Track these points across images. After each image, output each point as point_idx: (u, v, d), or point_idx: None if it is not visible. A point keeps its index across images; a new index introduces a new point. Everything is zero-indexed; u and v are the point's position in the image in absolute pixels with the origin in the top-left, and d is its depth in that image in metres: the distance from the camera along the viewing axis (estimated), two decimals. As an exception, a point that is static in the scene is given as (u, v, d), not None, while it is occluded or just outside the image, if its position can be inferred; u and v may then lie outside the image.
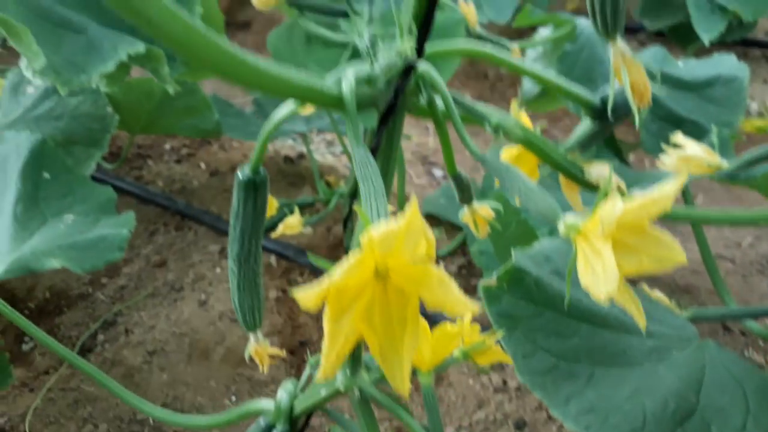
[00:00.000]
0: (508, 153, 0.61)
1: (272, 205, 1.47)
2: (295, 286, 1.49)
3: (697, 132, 1.46)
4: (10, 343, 1.38)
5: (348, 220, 1.68)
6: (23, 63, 1.09)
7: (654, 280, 1.58)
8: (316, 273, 1.50)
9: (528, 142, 0.53)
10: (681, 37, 2.50)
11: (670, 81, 1.60)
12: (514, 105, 0.54)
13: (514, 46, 1.33)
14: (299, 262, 1.52)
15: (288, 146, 2.04)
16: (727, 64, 1.65)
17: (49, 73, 0.90)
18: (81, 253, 0.83)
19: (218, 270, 1.51)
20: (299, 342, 1.34)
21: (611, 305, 0.63)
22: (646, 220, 0.39)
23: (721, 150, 1.35)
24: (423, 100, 0.46)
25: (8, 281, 1.52)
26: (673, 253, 0.39)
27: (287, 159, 1.96)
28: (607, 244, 0.36)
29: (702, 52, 2.09)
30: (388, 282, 0.35)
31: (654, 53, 1.74)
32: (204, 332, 1.34)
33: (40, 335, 0.75)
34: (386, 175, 0.46)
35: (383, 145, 0.47)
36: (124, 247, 0.85)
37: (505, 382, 1.27)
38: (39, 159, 0.96)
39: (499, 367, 1.29)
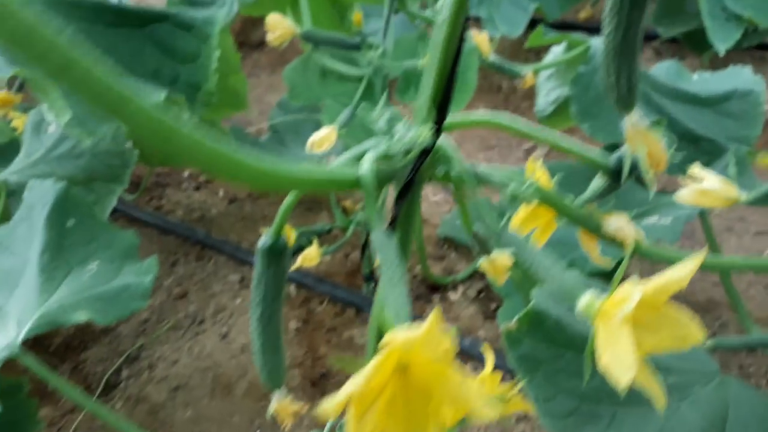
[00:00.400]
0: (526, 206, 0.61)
1: (290, 234, 1.49)
2: (314, 315, 1.50)
3: (713, 149, 1.45)
4: (37, 381, 1.41)
5: (365, 248, 1.69)
6: (45, 105, 1.12)
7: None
8: (336, 302, 1.51)
9: (545, 201, 0.54)
10: (696, 44, 2.48)
11: (685, 97, 1.59)
12: (530, 163, 0.55)
13: (528, 71, 1.34)
14: (318, 291, 1.53)
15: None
16: (742, 77, 1.63)
17: (74, 125, 0.92)
18: (106, 304, 0.84)
19: (239, 300, 1.53)
20: (320, 374, 1.35)
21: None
22: (664, 299, 0.39)
23: (739, 169, 1.34)
24: (440, 170, 0.47)
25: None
26: (691, 333, 0.39)
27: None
28: (624, 329, 0.37)
29: (718, 57, 2.07)
30: (409, 377, 0.35)
31: (668, 68, 1.74)
32: (226, 366, 1.36)
33: (60, 383, 0.76)
34: (406, 246, 0.47)
35: (402, 216, 0.48)
36: (147, 296, 0.87)
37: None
38: (63, 206, 0.98)
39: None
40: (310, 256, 1.36)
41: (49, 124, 1.49)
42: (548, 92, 1.87)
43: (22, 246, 0.97)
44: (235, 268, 1.63)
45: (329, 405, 0.30)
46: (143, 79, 1.00)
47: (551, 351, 0.78)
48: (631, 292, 0.37)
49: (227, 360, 1.36)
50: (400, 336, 0.31)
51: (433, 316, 0.30)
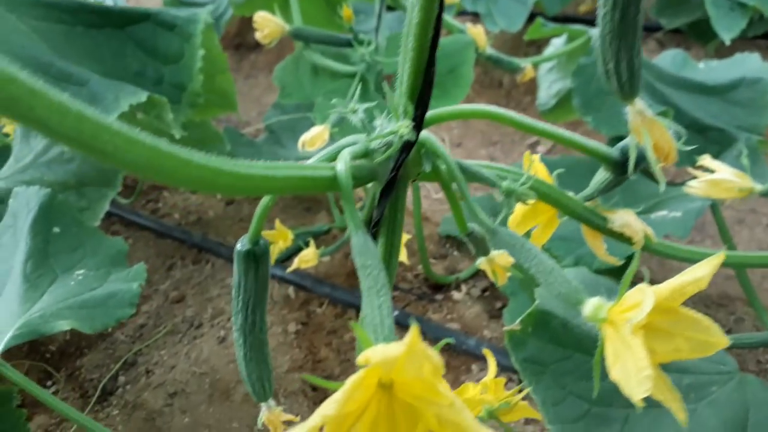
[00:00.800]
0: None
1: (287, 236, 1.45)
2: (314, 317, 1.46)
3: (722, 139, 1.40)
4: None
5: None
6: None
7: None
8: (336, 303, 1.47)
9: (544, 197, 0.50)
10: (700, 35, 2.43)
11: (692, 86, 1.54)
12: (527, 157, 0.51)
13: (527, 63, 1.29)
14: (318, 293, 1.49)
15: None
16: (750, 64, 1.58)
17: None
18: (91, 311, 0.81)
19: (237, 304, 1.49)
20: (321, 378, 1.31)
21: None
22: (680, 302, 0.35)
23: (751, 158, 1.29)
24: (427, 166, 0.43)
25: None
26: (713, 338, 0.35)
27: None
28: (637, 339, 0.33)
29: (723, 48, 2.02)
30: (394, 396, 0.31)
31: (673, 57, 1.69)
32: (224, 371, 1.32)
33: (46, 397, 0.73)
34: (392, 250, 0.43)
35: (387, 215, 0.44)
36: (135, 303, 0.83)
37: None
38: (48, 213, 0.95)
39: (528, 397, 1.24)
40: (308, 258, 1.32)
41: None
42: (549, 85, 1.83)
43: (7, 254, 0.93)
44: (232, 271, 1.59)
45: (298, 433, 0.27)
46: (126, 81, 0.97)
47: (558, 353, 0.74)
48: (643, 297, 0.33)
49: (225, 365, 1.33)
50: (379, 354, 0.27)
51: (414, 331, 0.26)
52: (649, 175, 1.36)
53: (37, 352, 1.47)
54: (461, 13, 2.73)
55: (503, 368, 1.26)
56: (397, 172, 0.41)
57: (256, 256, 0.51)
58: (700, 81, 1.57)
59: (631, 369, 0.32)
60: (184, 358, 1.36)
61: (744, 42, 2.45)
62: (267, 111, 1.94)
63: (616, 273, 0.98)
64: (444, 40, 1.16)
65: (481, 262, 0.64)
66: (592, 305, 0.36)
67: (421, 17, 0.35)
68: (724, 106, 1.55)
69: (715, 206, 1.14)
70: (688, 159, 0.93)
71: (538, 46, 2.54)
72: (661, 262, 1.56)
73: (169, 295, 1.56)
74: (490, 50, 1.23)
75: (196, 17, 0.95)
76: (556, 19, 2.47)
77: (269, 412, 0.61)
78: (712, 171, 0.87)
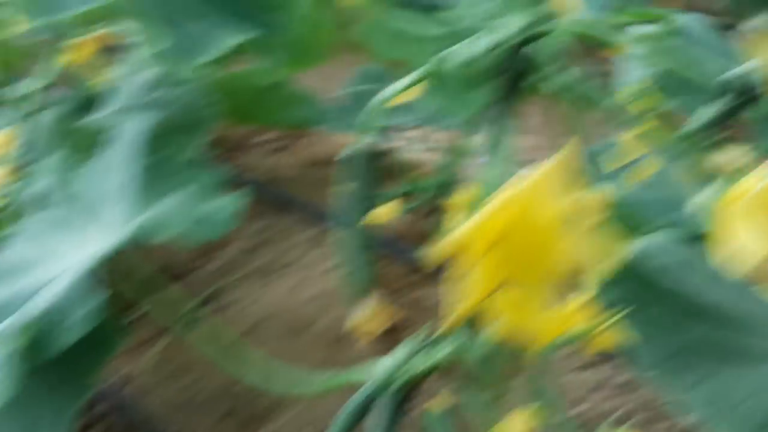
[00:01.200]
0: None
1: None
2: (381, 275, 1.50)
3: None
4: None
5: (435, 211, 1.67)
6: (131, 54, 1.18)
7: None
8: (404, 263, 1.50)
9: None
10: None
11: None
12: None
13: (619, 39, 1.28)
14: (386, 251, 1.53)
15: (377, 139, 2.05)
16: None
17: (164, 58, 0.96)
18: (194, 225, 0.87)
19: (310, 256, 1.55)
20: (384, 330, 1.35)
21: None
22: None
23: None
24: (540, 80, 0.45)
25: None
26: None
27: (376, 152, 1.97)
28: (757, 208, 0.35)
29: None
30: (519, 239, 0.34)
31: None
32: (295, 312, 1.39)
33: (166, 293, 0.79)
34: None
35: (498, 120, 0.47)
36: (237, 219, 0.90)
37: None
38: (150, 142, 1.02)
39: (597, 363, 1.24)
40: (382, 214, 1.36)
41: (134, 75, 1.54)
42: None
43: (110, 172, 1.01)
44: (307, 226, 1.65)
45: (440, 246, 0.30)
46: (232, 21, 1.03)
47: (648, 296, 0.75)
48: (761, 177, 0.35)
49: (296, 308, 1.40)
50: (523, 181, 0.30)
51: (571, 146, 0.29)
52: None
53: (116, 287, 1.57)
54: None
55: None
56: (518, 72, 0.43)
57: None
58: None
59: (750, 235, 0.34)
60: (258, 300, 1.44)
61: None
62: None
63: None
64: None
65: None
66: (706, 192, 0.38)
67: None
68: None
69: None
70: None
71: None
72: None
73: (244, 245, 1.63)
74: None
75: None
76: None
77: (362, 314, 0.64)
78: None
